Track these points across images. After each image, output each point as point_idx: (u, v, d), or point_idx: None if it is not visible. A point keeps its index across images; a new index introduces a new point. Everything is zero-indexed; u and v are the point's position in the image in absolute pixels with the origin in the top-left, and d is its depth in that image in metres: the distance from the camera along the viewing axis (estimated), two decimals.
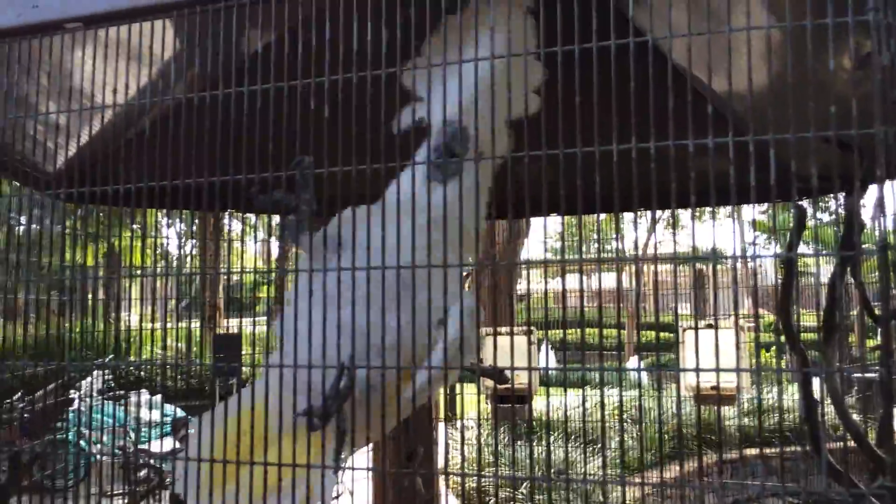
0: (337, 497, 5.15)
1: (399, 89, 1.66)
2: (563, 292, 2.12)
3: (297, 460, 1.72)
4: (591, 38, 1.59)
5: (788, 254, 2.29)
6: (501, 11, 1.74)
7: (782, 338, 2.81)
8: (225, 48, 1.67)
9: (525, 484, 6.72)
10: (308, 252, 1.79)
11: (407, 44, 1.63)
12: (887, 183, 1.80)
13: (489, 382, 5.40)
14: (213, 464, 1.74)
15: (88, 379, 7.38)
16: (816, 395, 2.58)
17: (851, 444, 2.64)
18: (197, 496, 1.77)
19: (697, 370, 1.77)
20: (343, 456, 1.75)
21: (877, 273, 2.44)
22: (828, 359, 2.67)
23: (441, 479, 5.11)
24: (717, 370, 1.61)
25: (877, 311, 2.89)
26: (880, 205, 1.36)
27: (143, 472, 6.40)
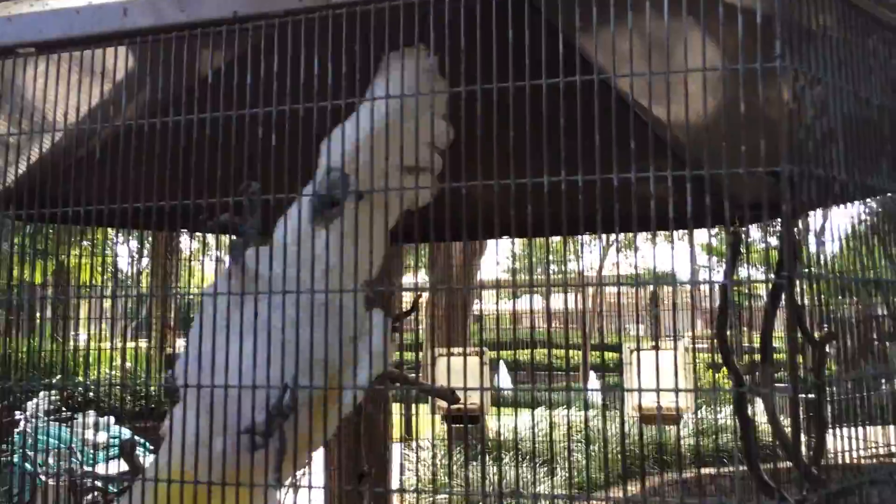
0: None
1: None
2: (513, 314, 2.19)
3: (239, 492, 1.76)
4: (541, 71, 1.66)
5: (724, 281, 2.39)
6: (405, 67, 1.86)
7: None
8: (176, 74, 1.71)
9: (478, 502, 6.73)
10: (240, 275, 1.84)
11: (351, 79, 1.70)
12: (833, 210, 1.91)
13: (443, 403, 5.42)
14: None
15: (35, 400, 7.20)
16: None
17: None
18: None
19: (640, 390, 1.84)
20: (284, 476, 1.77)
21: (822, 296, 2.56)
22: (763, 378, 2.78)
23: (395, 499, 5.11)
24: (658, 390, 1.68)
25: (816, 334, 3.01)
26: (788, 237, 1.45)
27: (90, 495, 6.26)
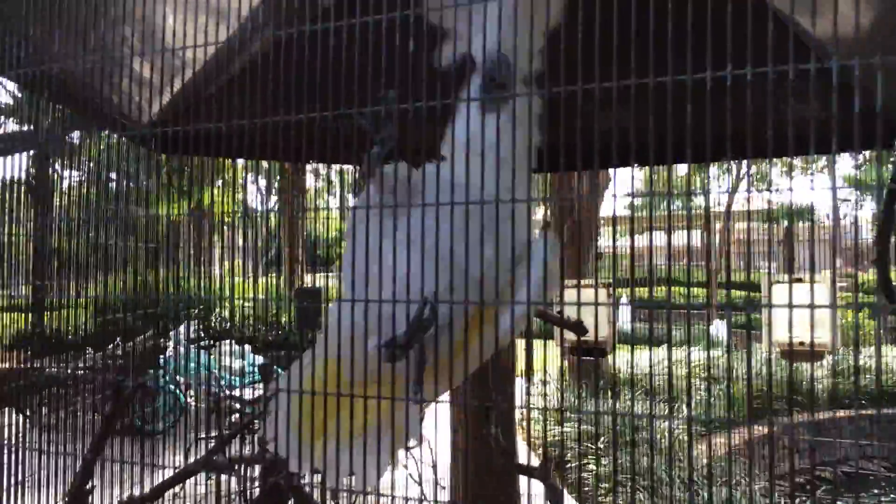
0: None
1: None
2: (630, 250, 2.07)
3: (381, 401, 1.78)
4: None
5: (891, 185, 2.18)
6: None
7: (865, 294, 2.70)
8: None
9: (602, 438, 6.73)
10: (379, 188, 1.79)
11: None
12: None
13: (569, 335, 5.38)
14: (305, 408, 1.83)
15: (180, 328, 7.73)
16: None
17: None
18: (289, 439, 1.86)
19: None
20: (425, 400, 1.78)
21: None
22: None
23: (518, 431, 5.17)
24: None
25: None
26: None
27: (232, 417, 6.70)
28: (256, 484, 2.75)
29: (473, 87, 1.87)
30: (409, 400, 1.68)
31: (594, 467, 6.76)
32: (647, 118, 1.54)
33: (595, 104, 1.55)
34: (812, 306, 1.56)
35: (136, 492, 2.27)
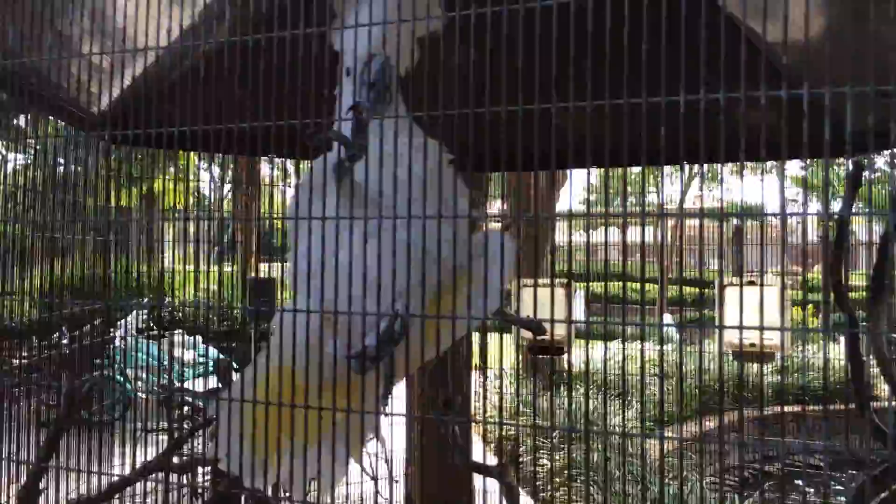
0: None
1: None
2: (587, 245, 2.09)
3: (341, 405, 1.75)
4: None
5: (839, 213, 2.22)
6: None
7: (826, 297, 2.76)
8: None
9: (556, 434, 6.78)
10: (338, 196, 1.75)
11: None
12: None
13: (526, 334, 5.40)
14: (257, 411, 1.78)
15: (129, 318, 7.54)
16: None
17: None
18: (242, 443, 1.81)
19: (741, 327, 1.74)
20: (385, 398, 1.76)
21: None
22: (875, 318, 2.62)
23: (473, 427, 5.18)
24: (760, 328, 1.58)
25: None
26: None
27: (182, 410, 6.57)
28: (208, 484, 2.69)
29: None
30: (378, 413, 1.66)
31: (548, 462, 6.82)
32: (604, 125, 1.54)
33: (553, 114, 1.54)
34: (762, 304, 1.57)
35: (85, 487, 2.19)
